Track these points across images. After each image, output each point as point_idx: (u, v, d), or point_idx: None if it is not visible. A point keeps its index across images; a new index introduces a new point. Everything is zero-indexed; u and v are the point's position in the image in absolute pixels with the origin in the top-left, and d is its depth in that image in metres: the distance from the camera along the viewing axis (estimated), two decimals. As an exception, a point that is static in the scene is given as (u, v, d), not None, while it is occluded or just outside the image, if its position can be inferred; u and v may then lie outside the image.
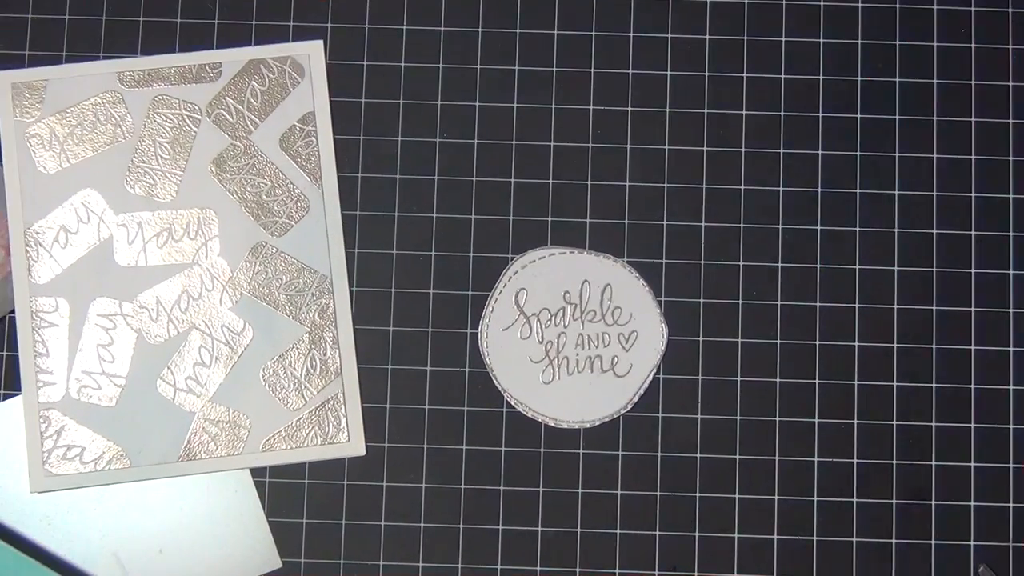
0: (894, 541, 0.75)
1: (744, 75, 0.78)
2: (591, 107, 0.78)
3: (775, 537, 0.75)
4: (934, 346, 0.77)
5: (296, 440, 0.75)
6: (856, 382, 0.76)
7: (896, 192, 0.78)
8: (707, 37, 0.79)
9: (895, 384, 0.76)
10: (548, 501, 0.75)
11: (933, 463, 0.76)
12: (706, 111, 0.78)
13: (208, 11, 0.79)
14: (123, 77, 0.77)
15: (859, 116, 0.78)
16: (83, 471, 0.74)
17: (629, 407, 0.76)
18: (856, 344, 0.77)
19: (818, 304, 0.77)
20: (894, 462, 0.76)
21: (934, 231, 0.77)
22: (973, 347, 0.77)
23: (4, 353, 0.76)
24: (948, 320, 0.77)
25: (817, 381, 0.76)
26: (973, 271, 0.77)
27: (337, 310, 0.76)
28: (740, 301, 0.77)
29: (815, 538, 0.75)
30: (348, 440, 0.75)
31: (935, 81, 0.79)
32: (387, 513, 0.75)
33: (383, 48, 0.79)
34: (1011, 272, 0.77)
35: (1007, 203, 0.78)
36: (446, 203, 0.77)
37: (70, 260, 0.76)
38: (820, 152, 0.78)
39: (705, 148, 0.78)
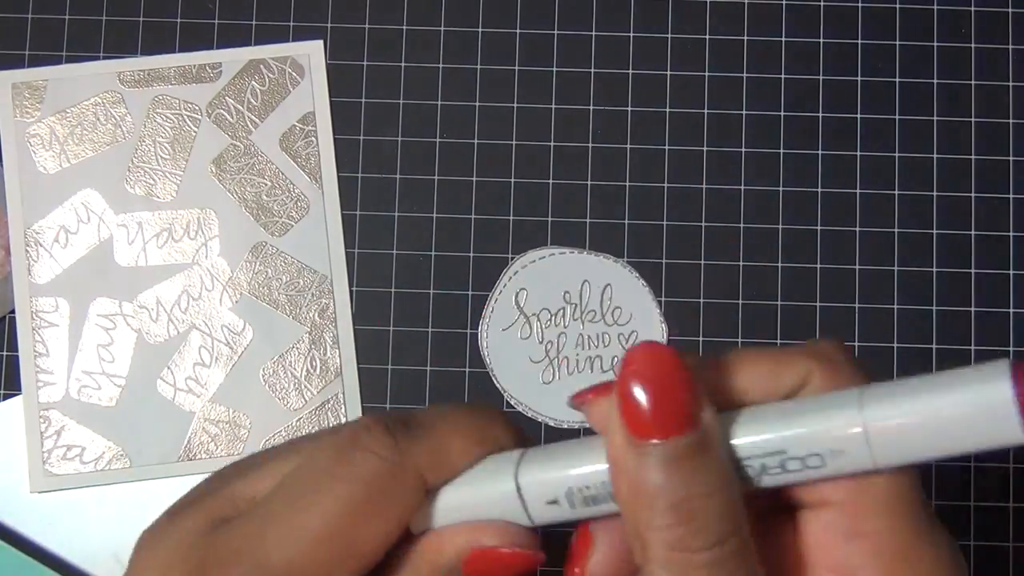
0: (894, 541, 0.75)
1: (744, 75, 0.78)
2: (591, 107, 0.78)
3: (775, 537, 0.75)
4: (934, 346, 0.76)
5: (296, 440, 0.75)
6: (856, 382, 0.76)
7: (896, 192, 0.78)
8: (707, 37, 0.79)
9: (895, 384, 0.76)
10: (548, 501, 0.75)
11: (933, 463, 0.76)
12: (706, 111, 0.78)
13: (208, 11, 0.79)
14: (123, 77, 0.77)
15: (859, 116, 0.78)
16: (83, 471, 0.74)
17: (629, 407, 0.76)
18: (856, 344, 0.76)
19: (818, 304, 0.77)
20: (894, 462, 0.76)
21: (934, 231, 0.77)
22: (973, 347, 0.77)
23: (4, 353, 0.76)
24: (948, 320, 0.77)
25: (817, 381, 0.76)
26: (973, 271, 0.77)
27: (337, 310, 0.76)
28: (740, 301, 0.77)
29: (815, 538, 0.75)
30: (348, 440, 0.75)
31: (935, 81, 0.79)
32: (387, 513, 0.75)
33: (383, 48, 0.79)
34: (1011, 272, 0.77)
35: (1007, 203, 0.78)
36: (446, 203, 0.77)
37: (70, 260, 0.76)
38: (820, 152, 0.78)
39: (705, 148, 0.78)
